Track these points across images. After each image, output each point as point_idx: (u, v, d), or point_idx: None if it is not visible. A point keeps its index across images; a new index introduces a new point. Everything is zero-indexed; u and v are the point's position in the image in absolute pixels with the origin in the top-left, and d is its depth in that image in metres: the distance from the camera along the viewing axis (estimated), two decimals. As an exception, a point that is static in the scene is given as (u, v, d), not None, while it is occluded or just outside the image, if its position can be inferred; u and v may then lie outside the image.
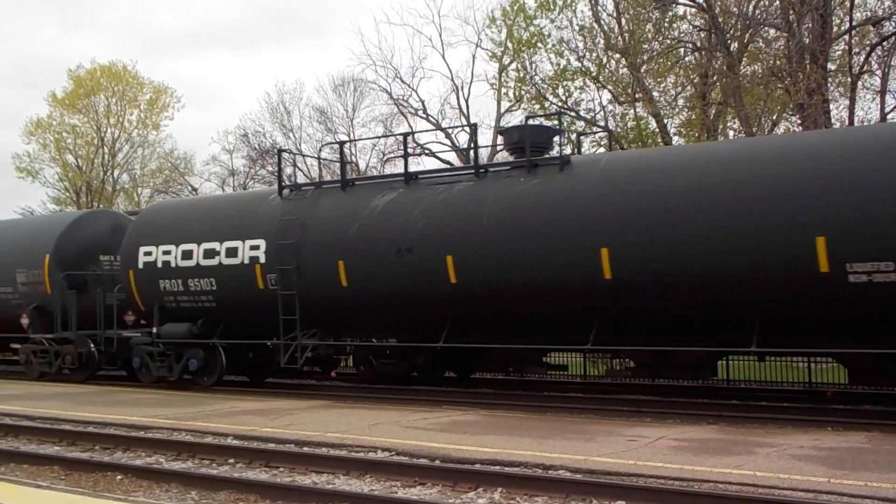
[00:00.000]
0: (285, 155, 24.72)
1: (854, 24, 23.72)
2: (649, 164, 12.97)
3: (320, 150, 37.09)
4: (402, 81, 38.59)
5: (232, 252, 16.02)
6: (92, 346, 18.62)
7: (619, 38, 28.01)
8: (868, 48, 24.05)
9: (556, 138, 15.20)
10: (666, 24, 26.51)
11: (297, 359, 15.44)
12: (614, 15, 28.50)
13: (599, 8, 28.42)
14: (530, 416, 12.50)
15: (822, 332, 11.65)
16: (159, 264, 17.00)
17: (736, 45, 24.63)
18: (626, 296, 12.22)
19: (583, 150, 29.45)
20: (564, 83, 29.37)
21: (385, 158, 42.37)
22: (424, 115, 38.53)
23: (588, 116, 29.41)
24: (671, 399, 14.13)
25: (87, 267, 19.60)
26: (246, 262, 15.76)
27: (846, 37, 23.96)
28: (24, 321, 19.46)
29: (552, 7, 29.13)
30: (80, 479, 9.27)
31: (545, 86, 30.03)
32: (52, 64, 66.76)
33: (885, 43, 23.60)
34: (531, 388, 16.40)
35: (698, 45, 26.15)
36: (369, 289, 14.41)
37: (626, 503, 7.47)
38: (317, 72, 73.72)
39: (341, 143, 18.93)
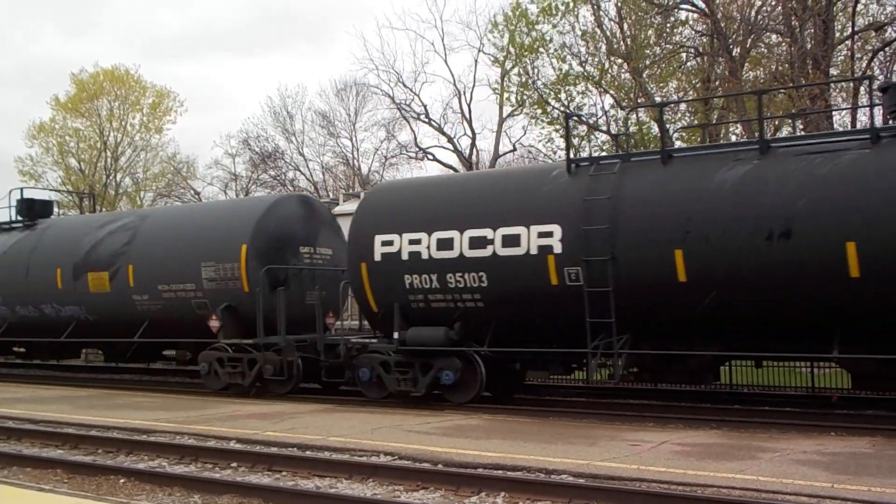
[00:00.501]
0: (286, 159, 24.75)
1: (856, 29, 23.74)
2: None
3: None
4: (405, 86, 38.71)
5: (512, 240, 13.11)
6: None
7: (622, 43, 28.02)
8: (870, 54, 24.05)
9: None
10: (668, 30, 26.53)
11: (601, 370, 13.10)
12: (616, 20, 28.52)
13: (602, 13, 28.45)
14: (533, 420, 12.50)
15: None
16: (404, 256, 14.00)
17: (738, 50, 24.64)
18: None
19: (585, 153, 29.49)
20: (566, 88, 29.36)
21: (387, 162, 42.45)
22: (427, 120, 38.59)
23: (590, 121, 29.41)
24: (674, 404, 14.11)
25: (287, 260, 16.68)
26: (533, 252, 12.91)
27: (848, 42, 23.99)
28: (214, 323, 16.31)
29: (554, 12, 29.12)
30: (82, 483, 9.28)
31: (547, 90, 30.03)
32: (54, 67, 67.02)
33: (887, 49, 23.61)
34: (533, 393, 16.38)
35: (700, 50, 26.17)
36: (724, 284, 11.65)
37: (629, 508, 7.46)
38: (318, 76, 73.97)
39: (661, 105, 17.37)
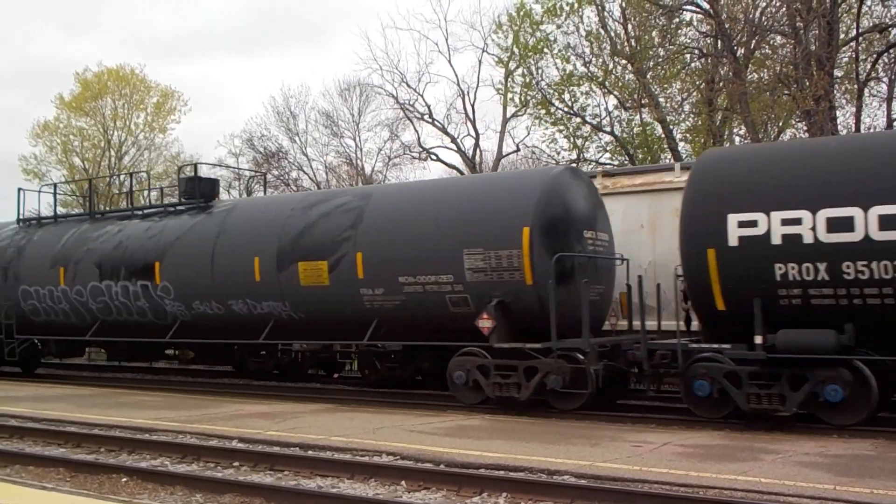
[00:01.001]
0: (290, 159, 24.68)
1: (861, 31, 23.71)
2: None
3: None
4: (409, 86, 38.62)
5: None
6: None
7: (626, 43, 28.03)
8: (875, 55, 24.02)
9: None
10: (672, 31, 26.52)
11: None
12: (621, 21, 28.53)
13: (606, 14, 28.46)
14: (535, 420, 12.49)
15: None
16: (776, 240, 11.14)
17: (742, 51, 24.63)
18: None
19: (588, 155, 29.52)
20: (570, 88, 29.39)
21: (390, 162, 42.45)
22: (430, 120, 38.56)
23: (594, 122, 29.43)
24: (677, 405, 14.09)
25: (573, 246, 13.78)
26: None
27: (853, 44, 23.96)
28: (486, 323, 13.36)
29: (559, 13, 29.17)
30: (85, 481, 9.29)
31: (551, 91, 30.06)
32: (54, 67, 66.96)
33: (891, 50, 23.58)
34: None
35: (704, 51, 26.16)
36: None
37: (631, 509, 7.46)
38: (321, 76, 73.87)
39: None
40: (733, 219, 11.49)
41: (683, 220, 12.09)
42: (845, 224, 10.76)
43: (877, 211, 10.61)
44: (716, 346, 11.86)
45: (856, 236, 10.72)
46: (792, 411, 11.33)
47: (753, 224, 11.40)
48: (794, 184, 11.38)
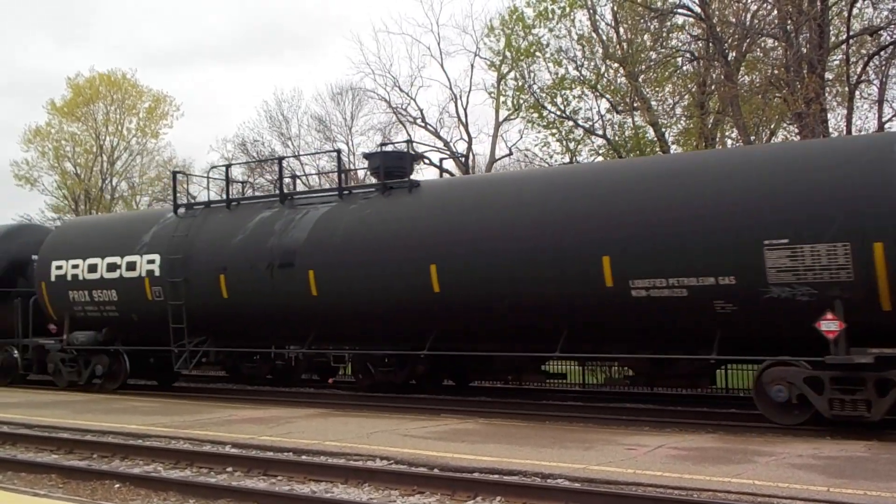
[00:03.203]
0: (283, 163, 24.63)
1: (852, 33, 23.79)
2: None
3: None
4: (401, 90, 38.65)
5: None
6: None
7: (618, 47, 28.08)
8: (866, 58, 24.11)
9: None
10: (664, 34, 26.57)
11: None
12: (612, 24, 28.58)
13: (598, 17, 28.51)
14: (529, 424, 12.49)
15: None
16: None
17: (734, 54, 24.68)
18: None
19: (581, 158, 29.56)
20: (563, 92, 29.40)
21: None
22: (423, 124, 38.58)
23: (586, 125, 29.48)
24: (670, 408, 14.12)
25: None
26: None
27: (844, 46, 24.04)
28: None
29: (550, 16, 29.19)
30: (77, 488, 9.26)
31: (543, 94, 30.07)
32: (45, 77, 66.91)
33: (882, 52, 23.68)
34: (530, 397, 16.38)
35: (696, 54, 26.22)
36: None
37: (625, 512, 7.46)
38: (315, 80, 73.79)
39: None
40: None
41: None
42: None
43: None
44: None
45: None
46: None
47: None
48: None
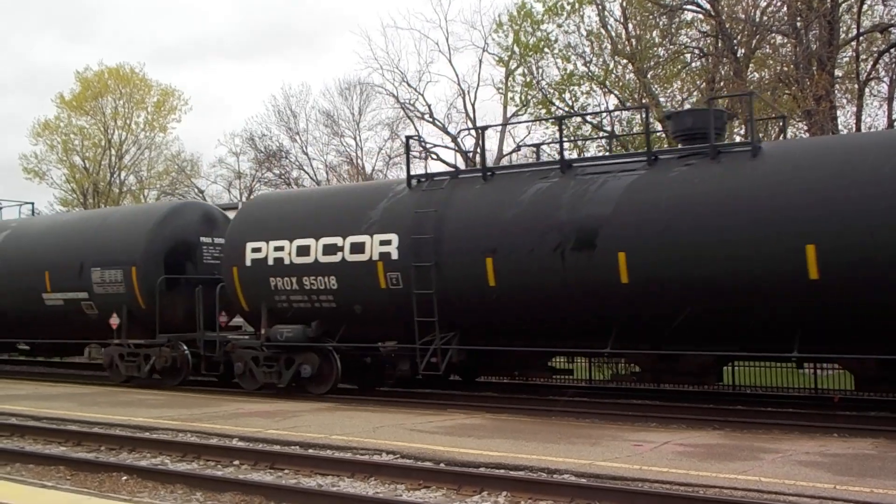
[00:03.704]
0: (291, 158, 24.53)
1: (861, 30, 23.70)
2: None
3: None
4: (409, 85, 38.62)
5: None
6: None
7: (626, 43, 28.00)
8: (875, 55, 24.01)
9: None
10: (673, 30, 26.50)
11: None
12: (621, 20, 28.51)
13: (606, 13, 28.43)
14: (535, 420, 12.50)
15: None
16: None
17: (743, 51, 24.61)
18: None
19: (587, 153, 29.52)
20: (571, 88, 29.36)
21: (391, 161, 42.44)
22: (431, 119, 38.55)
23: (594, 121, 29.42)
24: (676, 404, 14.10)
25: None
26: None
27: (853, 43, 23.95)
28: None
29: (559, 12, 29.13)
30: (85, 480, 9.30)
31: (552, 90, 30.03)
32: (54, 74, 67.13)
33: (892, 50, 23.57)
34: (536, 392, 16.37)
35: (705, 50, 26.15)
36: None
37: (631, 508, 7.46)
38: (323, 75, 73.83)
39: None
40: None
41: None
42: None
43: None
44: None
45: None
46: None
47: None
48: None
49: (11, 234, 20.97)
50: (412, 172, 15.33)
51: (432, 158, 40.32)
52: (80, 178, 47.77)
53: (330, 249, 15.18)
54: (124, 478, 9.26)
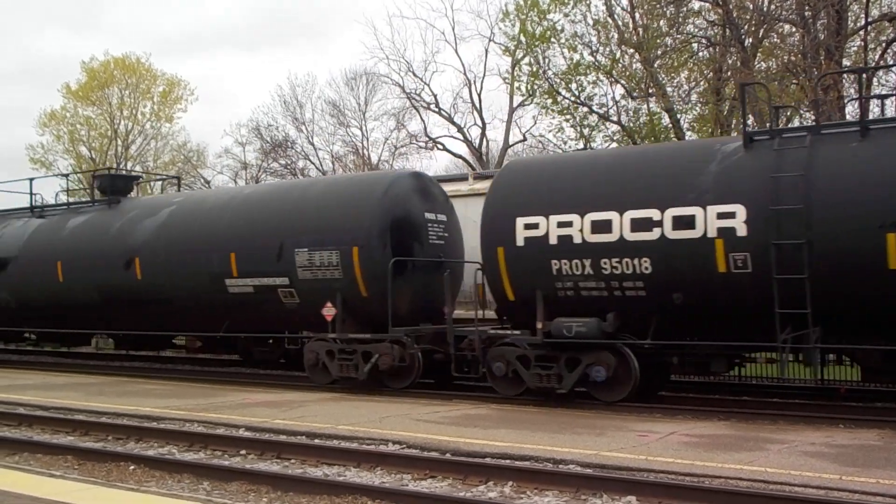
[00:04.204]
0: (297, 148, 24.39)
1: (870, 20, 23.56)
2: None
3: None
4: (415, 75, 38.61)
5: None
6: None
7: (633, 32, 27.89)
8: (884, 44, 23.87)
9: None
10: (680, 20, 26.38)
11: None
12: (628, 9, 28.38)
13: (613, 2, 28.30)
14: (541, 410, 12.51)
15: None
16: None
17: (750, 40, 24.49)
18: None
19: (595, 145, 29.46)
20: (577, 78, 29.26)
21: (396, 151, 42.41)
22: (437, 109, 38.51)
23: (601, 111, 29.34)
24: (683, 395, 14.10)
25: None
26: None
27: (862, 33, 23.81)
28: None
29: (566, 1, 29.02)
30: (93, 469, 9.35)
31: (558, 80, 29.94)
32: (58, 64, 67.15)
33: (901, 39, 23.43)
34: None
35: (712, 40, 26.03)
36: None
37: (636, 498, 7.48)
38: (329, 65, 73.77)
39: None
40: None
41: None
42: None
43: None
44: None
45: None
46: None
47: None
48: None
49: (178, 210, 17.82)
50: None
51: (438, 149, 40.37)
52: (86, 168, 47.83)
53: (641, 225, 12.27)
54: (132, 467, 9.30)
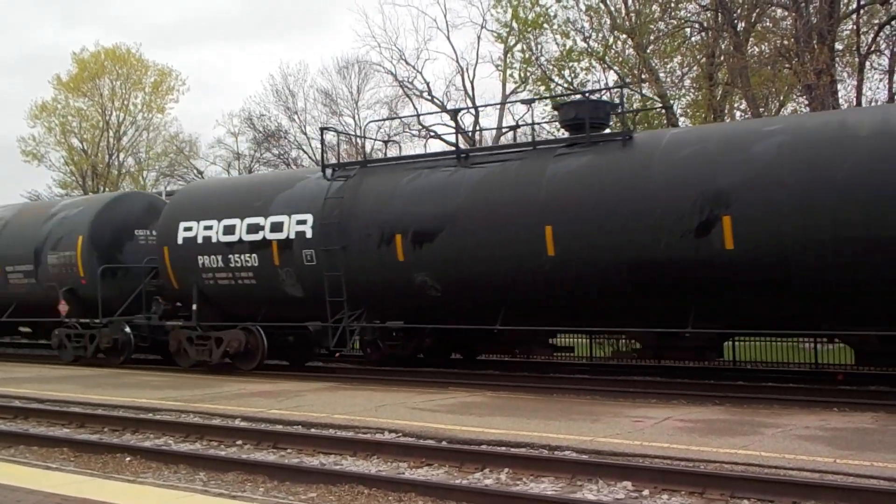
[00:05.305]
0: (290, 138, 24.45)
1: (862, 3, 23.54)
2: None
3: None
4: (407, 63, 38.44)
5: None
6: None
7: (626, 18, 27.83)
8: (876, 28, 23.87)
9: None
10: (673, 5, 26.32)
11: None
12: (621, -6, 28.31)
13: (606, -12, 28.21)
14: (536, 397, 12.54)
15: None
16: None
17: (743, 24, 24.46)
18: None
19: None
20: (570, 64, 29.19)
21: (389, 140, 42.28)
22: (430, 97, 38.39)
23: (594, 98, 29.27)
24: (677, 380, 14.15)
25: None
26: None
27: (854, 16, 23.79)
28: None
29: (558, -13, 28.92)
30: (89, 461, 9.35)
31: (551, 67, 29.87)
32: (51, 55, 66.82)
33: (893, 22, 23.42)
34: (537, 370, 16.42)
35: (705, 25, 25.99)
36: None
37: (631, 483, 7.50)
38: (321, 54, 73.45)
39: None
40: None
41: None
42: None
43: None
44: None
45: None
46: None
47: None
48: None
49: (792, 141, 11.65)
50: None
51: (431, 137, 40.23)
52: (78, 160, 47.66)
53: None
54: (128, 459, 9.31)
